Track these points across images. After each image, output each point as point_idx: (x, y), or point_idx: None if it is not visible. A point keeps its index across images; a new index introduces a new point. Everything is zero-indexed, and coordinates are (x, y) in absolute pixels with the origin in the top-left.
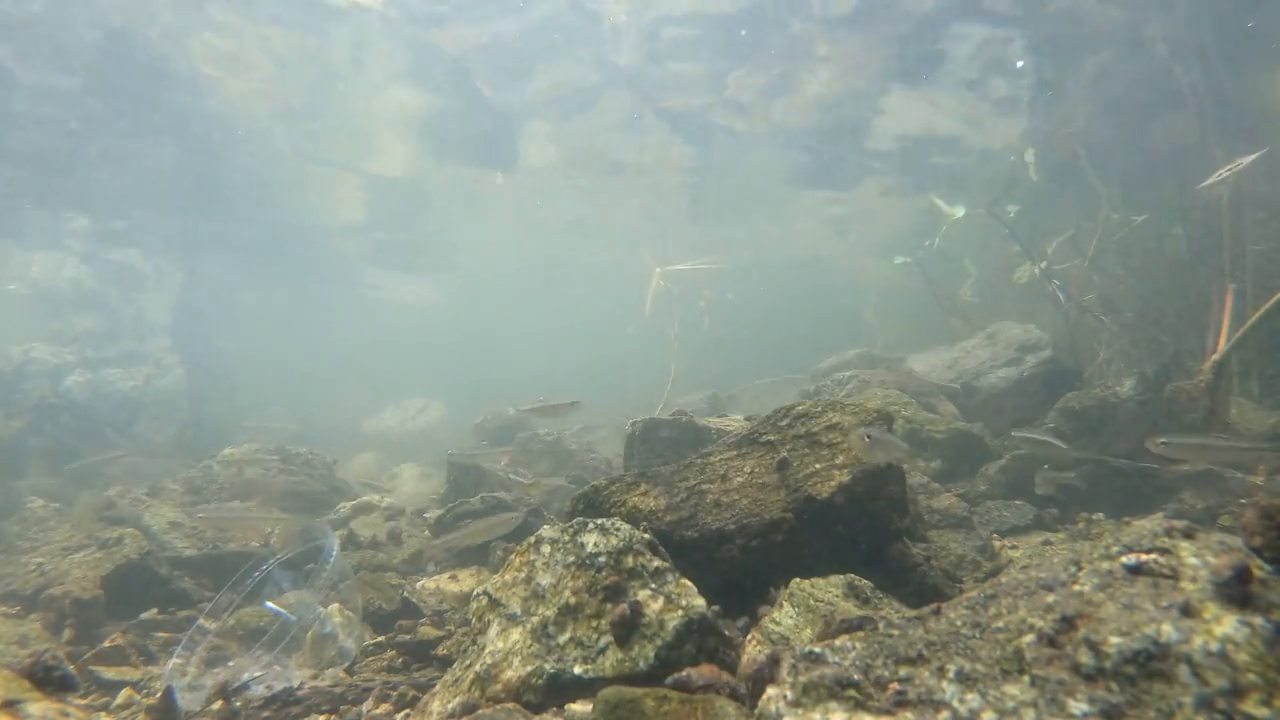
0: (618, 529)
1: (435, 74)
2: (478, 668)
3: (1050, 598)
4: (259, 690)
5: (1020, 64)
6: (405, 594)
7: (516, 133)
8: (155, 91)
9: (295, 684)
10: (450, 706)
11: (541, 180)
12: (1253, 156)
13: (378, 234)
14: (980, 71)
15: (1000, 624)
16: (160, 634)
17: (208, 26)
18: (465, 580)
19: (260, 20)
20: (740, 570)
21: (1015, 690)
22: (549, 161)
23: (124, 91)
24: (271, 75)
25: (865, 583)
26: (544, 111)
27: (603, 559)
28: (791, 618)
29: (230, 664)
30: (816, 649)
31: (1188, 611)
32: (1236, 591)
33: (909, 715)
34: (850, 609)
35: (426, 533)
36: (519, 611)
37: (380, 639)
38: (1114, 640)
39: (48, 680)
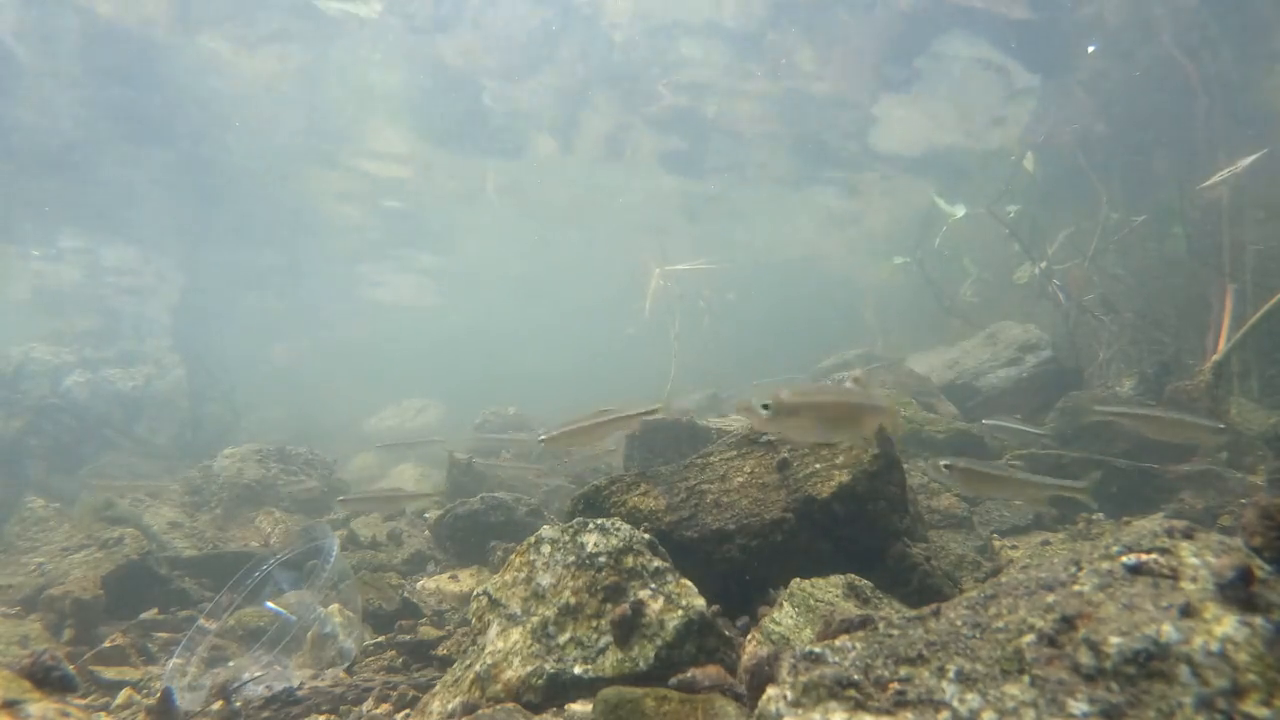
0: (618, 529)
1: (435, 80)
2: (478, 668)
3: (1050, 598)
4: (259, 690)
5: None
6: (405, 594)
7: (517, 135)
8: (154, 95)
9: (295, 684)
10: (450, 706)
11: (542, 180)
12: (1253, 157)
13: (377, 231)
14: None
15: (1000, 624)
16: (160, 634)
17: (208, 33)
18: (465, 580)
19: (260, 32)
20: (740, 570)
21: (1015, 690)
22: (550, 161)
23: (123, 96)
24: (273, 80)
25: (865, 583)
26: (544, 112)
27: (603, 559)
28: (791, 618)
29: (230, 664)
30: (816, 649)
31: (1188, 612)
32: (1237, 592)
33: (909, 715)
34: (850, 609)
35: (427, 532)
36: (519, 611)
37: (380, 639)
38: (1114, 640)
39: (48, 680)
